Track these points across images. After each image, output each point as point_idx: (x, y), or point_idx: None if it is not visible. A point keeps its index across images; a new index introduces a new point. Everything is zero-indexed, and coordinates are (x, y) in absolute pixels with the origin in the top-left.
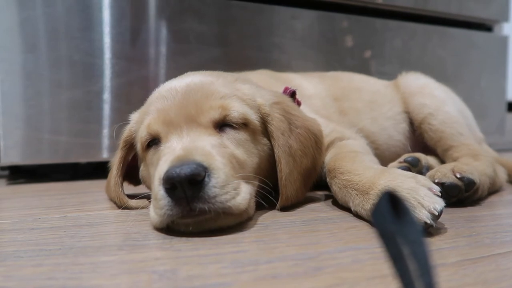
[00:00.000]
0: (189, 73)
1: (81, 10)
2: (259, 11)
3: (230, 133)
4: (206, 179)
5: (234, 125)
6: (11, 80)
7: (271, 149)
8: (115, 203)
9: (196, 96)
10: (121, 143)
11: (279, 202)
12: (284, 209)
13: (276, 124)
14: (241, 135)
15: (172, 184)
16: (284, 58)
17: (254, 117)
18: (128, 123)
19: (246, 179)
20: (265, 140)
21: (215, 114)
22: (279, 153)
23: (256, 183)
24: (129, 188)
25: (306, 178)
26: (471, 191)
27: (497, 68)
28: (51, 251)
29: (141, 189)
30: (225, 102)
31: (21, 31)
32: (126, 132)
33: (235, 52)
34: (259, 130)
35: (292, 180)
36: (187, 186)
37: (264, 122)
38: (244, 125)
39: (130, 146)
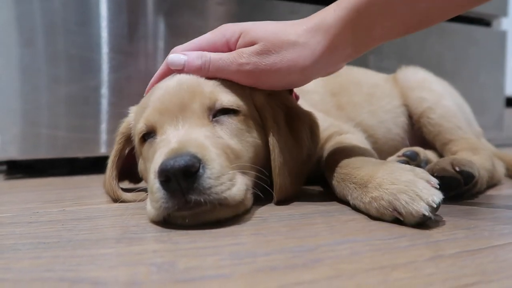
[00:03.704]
0: None
1: (78, 4)
2: (258, 5)
3: (224, 123)
4: (201, 170)
5: (228, 114)
6: (8, 75)
7: (267, 139)
8: (110, 196)
9: (189, 83)
10: (118, 135)
11: (274, 193)
12: (281, 203)
13: (272, 114)
14: (235, 125)
15: (167, 176)
16: None
17: (247, 106)
18: (126, 112)
19: (242, 170)
20: (260, 130)
21: (206, 100)
22: (273, 141)
23: (253, 173)
24: (129, 185)
25: (300, 170)
26: (470, 185)
27: (495, 63)
28: (49, 244)
29: (140, 185)
30: (215, 89)
31: (18, 26)
32: (124, 124)
33: None
34: (254, 119)
35: (286, 170)
36: (181, 178)
37: (258, 111)
38: (238, 114)
39: (127, 138)
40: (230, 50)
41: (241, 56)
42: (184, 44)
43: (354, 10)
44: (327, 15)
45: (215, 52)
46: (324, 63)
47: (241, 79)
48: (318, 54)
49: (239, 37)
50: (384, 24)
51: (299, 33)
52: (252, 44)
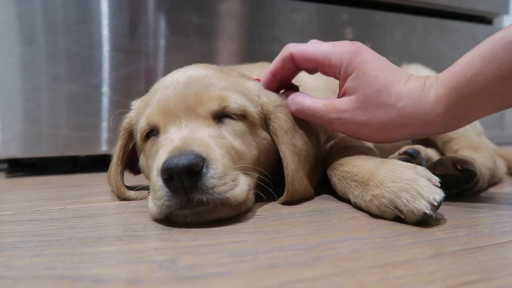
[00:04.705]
0: (194, 65)
1: (79, 2)
2: (259, 3)
3: (229, 124)
4: (204, 169)
5: (233, 117)
6: (9, 74)
7: (271, 144)
8: (114, 192)
9: (196, 87)
10: (121, 131)
11: (283, 196)
12: (287, 203)
13: (280, 123)
14: (240, 126)
15: (170, 174)
16: None
17: (253, 110)
18: (126, 112)
19: (245, 171)
20: (264, 134)
21: (214, 105)
22: (284, 149)
23: (255, 175)
24: (129, 180)
25: (311, 177)
26: (471, 183)
27: None
28: (50, 241)
29: (141, 180)
30: (225, 94)
31: (19, 24)
32: (126, 119)
33: (234, 45)
34: (258, 123)
35: (299, 177)
36: (185, 176)
37: (266, 118)
38: (243, 117)
39: (130, 133)
40: (338, 74)
41: (335, 111)
42: (301, 45)
43: (454, 89)
44: (429, 89)
45: (327, 65)
46: (412, 134)
47: (331, 128)
48: (408, 125)
49: (351, 73)
50: (483, 103)
51: (400, 96)
52: (352, 92)
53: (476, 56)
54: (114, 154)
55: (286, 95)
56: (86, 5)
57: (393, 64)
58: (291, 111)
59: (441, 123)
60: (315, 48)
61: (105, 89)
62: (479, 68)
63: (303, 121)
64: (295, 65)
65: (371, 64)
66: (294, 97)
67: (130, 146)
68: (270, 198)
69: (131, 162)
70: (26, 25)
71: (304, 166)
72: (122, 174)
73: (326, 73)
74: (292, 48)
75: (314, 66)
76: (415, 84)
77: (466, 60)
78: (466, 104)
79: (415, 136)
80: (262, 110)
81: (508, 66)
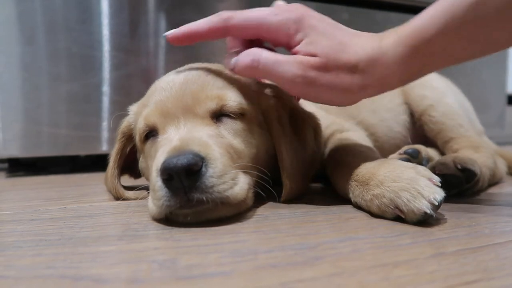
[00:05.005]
0: (189, 64)
1: (79, 2)
2: (259, 3)
3: (227, 123)
4: (203, 169)
5: (232, 115)
6: (9, 73)
7: (270, 140)
8: (112, 194)
9: (193, 87)
10: (119, 134)
11: (283, 194)
12: (287, 201)
13: (277, 117)
14: (239, 125)
15: (169, 174)
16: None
17: (251, 107)
18: (126, 114)
19: (244, 169)
20: (263, 131)
21: (212, 105)
22: (280, 144)
23: (255, 173)
24: (129, 181)
25: (306, 171)
26: (471, 183)
27: (497, 61)
28: (51, 241)
29: (140, 181)
30: (222, 92)
31: (19, 24)
32: (125, 123)
33: None
34: (257, 120)
35: (294, 171)
36: (184, 176)
37: (263, 113)
38: (241, 115)
39: (128, 137)
40: (285, 44)
41: (301, 67)
42: (240, 13)
43: (413, 47)
44: (388, 48)
45: (273, 33)
46: (372, 92)
47: (292, 89)
48: (369, 85)
49: (299, 42)
50: (442, 59)
51: (360, 56)
52: (312, 55)
53: (435, 15)
54: (111, 157)
55: (239, 57)
56: (86, 5)
57: (340, 24)
58: (244, 66)
59: (400, 79)
60: (257, 16)
61: (105, 88)
62: (439, 28)
63: (300, 114)
64: (226, 35)
65: (321, 29)
66: (249, 50)
67: (128, 149)
68: (270, 197)
69: (131, 167)
70: (26, 25)
71: (300, 160)
72: (119, 177)
73: (273, 42)
74: (233, 20)
75: (255, 35)
76: (371, 44)
77: (426, 19)
78: (424, 61)
79: (375, 94)
80: (259, 104)
81: (467, 26)
